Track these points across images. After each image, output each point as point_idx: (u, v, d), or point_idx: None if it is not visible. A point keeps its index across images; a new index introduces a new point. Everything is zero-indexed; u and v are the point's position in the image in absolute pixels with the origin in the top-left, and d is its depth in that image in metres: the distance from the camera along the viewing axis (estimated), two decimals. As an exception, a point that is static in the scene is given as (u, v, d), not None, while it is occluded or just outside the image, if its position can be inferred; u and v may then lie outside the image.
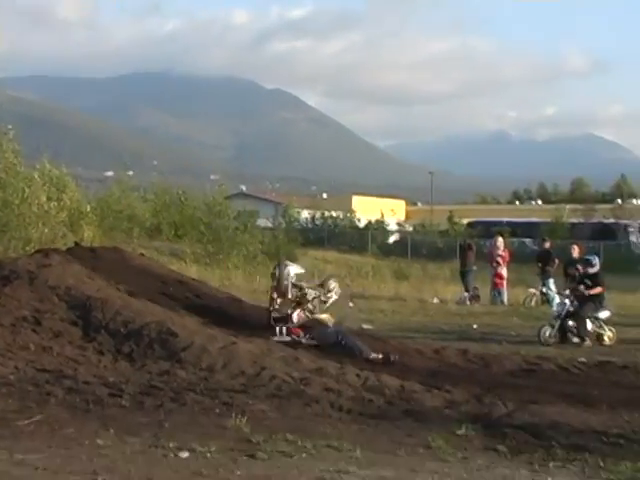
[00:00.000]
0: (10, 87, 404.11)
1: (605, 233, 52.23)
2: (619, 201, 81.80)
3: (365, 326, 16.93)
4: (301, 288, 12.85)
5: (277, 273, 12.97)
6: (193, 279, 16.61)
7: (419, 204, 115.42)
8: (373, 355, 11.73)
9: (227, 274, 30.45)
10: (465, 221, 60.99)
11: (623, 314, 18.96)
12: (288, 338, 12.21)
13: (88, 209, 35.25)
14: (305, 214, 65.76)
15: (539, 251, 27.05)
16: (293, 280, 12.92)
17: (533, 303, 23.27)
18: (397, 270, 37.01)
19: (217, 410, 8.23)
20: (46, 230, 28.82)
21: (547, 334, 15.63)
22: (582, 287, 16.03)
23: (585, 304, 15.83)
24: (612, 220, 59.12)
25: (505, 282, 25.35)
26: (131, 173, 54.47)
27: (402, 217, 78.16)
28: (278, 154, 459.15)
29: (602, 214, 63.34)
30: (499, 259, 25.31)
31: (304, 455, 6.66)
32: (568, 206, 67.96)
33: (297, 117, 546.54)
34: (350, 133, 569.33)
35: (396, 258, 45.65)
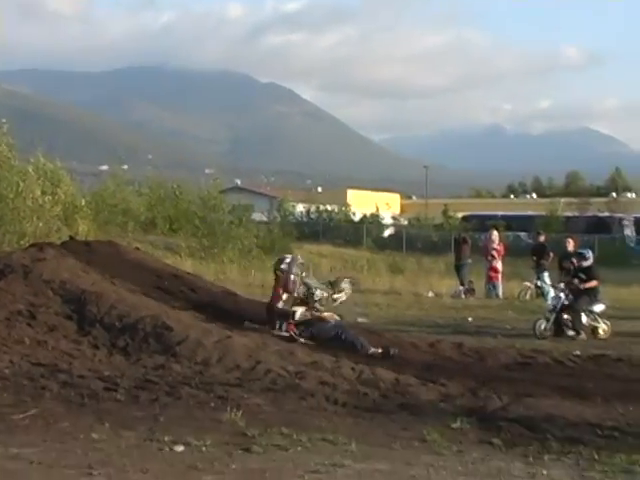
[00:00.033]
0: (4, 81, 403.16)
1: (600, 227, 52.33)
2: (614, 195, 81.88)
3: (360, 320, 16.94)
4: (309, 288, 12.70)
5: (286, 268, 12.84)
6: (188, 273, 16.59)
7: (414, 198, 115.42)
8: (373, 349, 11.73)
9: (222, 268, 30.44)
10: (460, 215, 61.05)
11: (618, 307, 19.02)
12: (287, 334, 12.19)
13: (83, 203, 35.23)
14: (300, 208, 65.74)
15: (534, 245, 27.08)
16: (301, 277, 12.78)
17: (528, 296, 23.29)
18: (392, 264, 37.05)
19: (212, 404, 8.23)
20: (40, 224, 28.79)
21: (542, 327, 15.66)
22: (576, 281, 16.06)
23: (580, 297, 15.85)
24: (607, 214, 59.24)
25: (500, 276, 25.39)
26: (126, 167, 54.57)
27: (397, 211, 78.16)
28: (273, 148, 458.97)
29: (597, 208, 63.47)
30: (494, 253, 25.34)
31: (299, 449, 6.66)
32: (563, 200, 68.08)
33: (292, 111, 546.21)
34: (345, 127, 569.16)
35: (391, 252, 45.71)
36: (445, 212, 61.43)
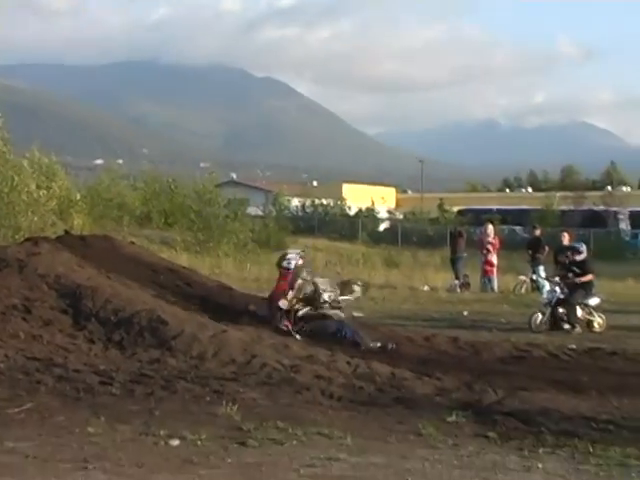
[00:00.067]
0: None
1: (595, 220, 52.43)
2: (609, 188, 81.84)
3: (355, 314, 16.91)
4: (317, 289, 12.62)
5: (287, 265, 12.80)
6: (183, 267, 16.57)
7: (409, 192, 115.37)
8: (372, 344, 11.74)
9: (217, 262, 30.41)
10: (455, 209, 61.10)
11: (613, 301, 19.04)
12: (285, 328, 12.18)
13: (78, 197, 35.23)
14: (295, 202, 65.76)
15: (529, 238, 27.09)
16: (311, 279, 12.68)
17: (523, 290, 23.31)
18: (387, 258, 37.02)
19: (208, 398, 8.23)
20: (35, 218, 28.76)
21: (538, 321, 15.68)
22: (571, 275, 16.07)
23: (575, 291, 15.87)
24: (602, 207, 59.29)
25: (495, 269, 25.39)
26: (121, 161, 54.49)
27: (392, 205, 78.22)
28: (268, 142, 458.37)
29: (592, 201, 63.50)
30: (489, 246, 25.33)
31: (295, 442, 6.68)
32: (558, 194, 68.11)
33: (287, 105, 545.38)
34: (340, 121, 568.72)
35: (386, 246, 45.73)
36: (440, 206, 61.48)
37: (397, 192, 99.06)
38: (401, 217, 66.25)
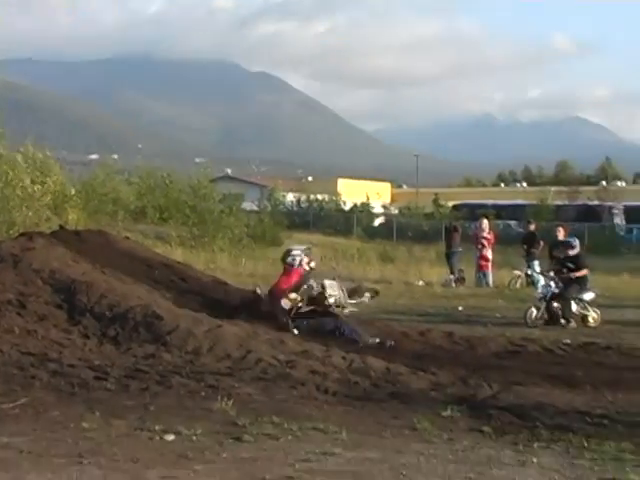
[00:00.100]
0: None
1: (590, 215, 52.55)
2: (604, 183, 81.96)
3: (351, 309, 16.92)
4: (322, 292, 12.50)
5: (292, 261, 12.75)
6: (178, 262, 16.58)
7: (404, 187, 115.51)
8: (371, 340, 11.73)
9: (212, 257, 30.38)
10: (450, 204, 61.15)
11: (607, 296, 19.05)
12: (285, 323, 12.16)
13: (72, 192, 35.14)
14: (290, 197, 65.78)
15: (524, 233, 27.13)
16: (315, 285, 12.57)
17: (518, 285, 23.30)
18: (382, 253, 37.02)
19: (203, 393, 8.23)
20: (30, 213, 28.73)
21: (533, 316, 15.70)
22: (565, 270, 16.09)
23: (570, 286, 15.89)
24: (596, 202, 59.41)
25: (490, 264, 25.40)
26: (116, 156, 54.34)
27: (387, 200, 78.23)
28: (263, 137, 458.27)
29: (587, 196, 63.62)
30: (484, 241, 25.34)
31: (290, 437, 6.68)
32: (553, 188, 68.21)
33: (282, 100, 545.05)
34: (336, 116, 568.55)
35: (381, 241, 45.73)
36: (435, 201, 61.54)
37: (392, 187, 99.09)
38: (396, 212, 66.32)
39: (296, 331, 11.93)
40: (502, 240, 31.18)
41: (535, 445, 6.67)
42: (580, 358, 11.28)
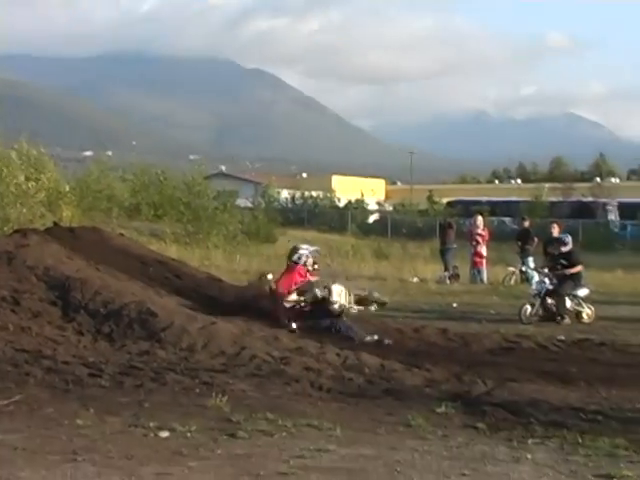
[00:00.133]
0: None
1: (584, 212, 52.60)
2: (598, 180, 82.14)
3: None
4: (326, 296, 12.43)
5: (297, 259, 12.72)
6: (173, 259, 16.57)
7: (399, 184, 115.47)
8: (368, 338, 11.72)
9: (207, 254, 30.35)
10: (445, 200, 61.19)
11: (602, 292, 19.09)
12: (285, 320, 12.17)
13: (67, 189, 35.04)
14: (285, 194, 65.77)
15: (519, 230, 27.13)
16: (319, 292, 12.55)
17: (512, 282, 23.31)
18: (377, 249, 37.00)
19: (197, 390, 8.23)
20: (24, 210, 28.67)
21: (528, 313, 15.70)
22: (559, 267, 16.11)
23: (564, 282, 15.90)
24: (591, 199, 59.49)
25: (485, 261, 25.40)
26: (110, 153, 54.21)
27: (382, 197, 78.32)
28: (258, 134, 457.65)
29: (581, 193, 63.70)
30: (479, 238, 25.33)
31: (284, 434, 6.68)
32: (547, 185, 68.35)
33: (277, 97, 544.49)
34: (330, 113, 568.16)
35: (376, 237, 45.74)
36: (430, 198, 61.54)
37: (386, 184, 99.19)
38: (390, 209, 66.33)
39: (294, 325, 11.97)
40: (496, 237, 31.21)
41: (529, 441, 6.68)
42: (574, 354, 11.30)
